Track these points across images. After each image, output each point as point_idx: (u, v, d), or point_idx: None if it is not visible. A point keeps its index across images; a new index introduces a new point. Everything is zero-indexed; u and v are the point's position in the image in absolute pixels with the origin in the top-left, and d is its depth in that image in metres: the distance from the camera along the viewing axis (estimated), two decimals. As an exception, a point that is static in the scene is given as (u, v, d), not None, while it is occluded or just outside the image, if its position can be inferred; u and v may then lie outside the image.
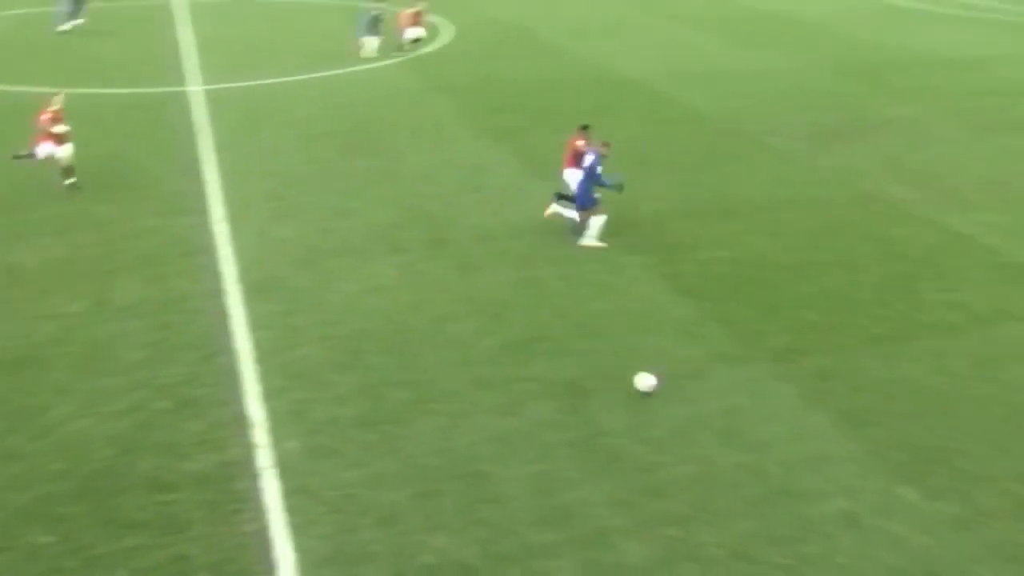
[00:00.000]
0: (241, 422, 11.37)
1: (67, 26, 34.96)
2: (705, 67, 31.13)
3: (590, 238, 16.59)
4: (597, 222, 16.55)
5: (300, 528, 9.60)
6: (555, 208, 16.79)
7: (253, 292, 14.72)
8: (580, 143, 17.31)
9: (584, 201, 16.51)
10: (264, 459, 10.70)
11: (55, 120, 18.57)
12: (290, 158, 21.52)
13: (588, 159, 16.63)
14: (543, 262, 15.93)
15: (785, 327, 13.95)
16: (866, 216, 18.46)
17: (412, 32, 32.10)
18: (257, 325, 13.67)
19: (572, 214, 16.67)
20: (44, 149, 18.70)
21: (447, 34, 36.19)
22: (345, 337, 13.39)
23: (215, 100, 26.20)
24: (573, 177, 17.14)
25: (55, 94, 19.27)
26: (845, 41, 36.67)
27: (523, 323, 13.89)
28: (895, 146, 23.16)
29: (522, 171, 20.60)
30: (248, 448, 10.89)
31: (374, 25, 31.49)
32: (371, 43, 31.57)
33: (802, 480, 10.58)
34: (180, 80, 28.61)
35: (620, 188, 16.89)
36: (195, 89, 27.50)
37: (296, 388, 12.10)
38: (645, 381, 12.07)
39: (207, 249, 16.29)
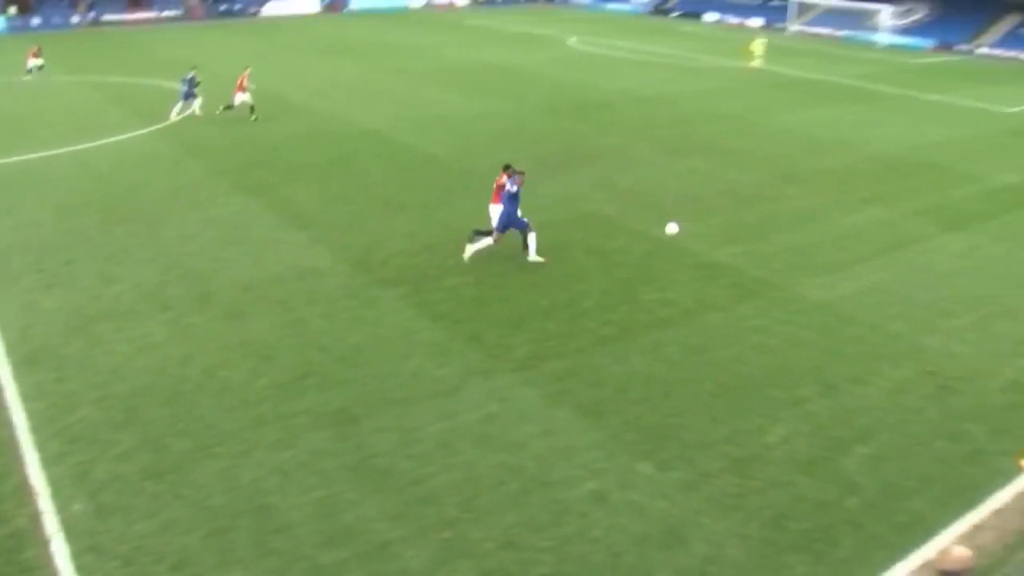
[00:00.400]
0: (24, 492, 10.50)
1: None
2: (436, 115, 31.74)
3: (533, 255, 17.49)
4: (532, 240, 17.50)
5: (92, 586, 8.98)
6: (471, 249, 17.47)
7: (23, 364, 13.61)
8: (504, 180, 17.41)
9: (508, 222, 17.13)
10: (51, 525, 9.93)
11: None
12: (51, 229, 20.04)
13: (511, 187, 17.03)
14: (304, 304, 15.70)
15: (528, 338, 14.44)
16: (587, 233, 19.43)
17: (240, 97, 30.52)
18: (30, 396, 12.66)
19: (487, 242, 17.46)
20: None
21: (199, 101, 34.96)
22: (120, 397, 12.64)
23: (-38, 178, 24.02)
24: (496, 211, 17.56)
25: None
26: (556, 85, 38.49)
27: (291, 362, 13.63)
28: (606, 171, 24.52)
29: (278, 222, 20.21)
30: (34, 517, 10.07)
31: (191, 88, 30.55)
32: (189, 106, 30.77)
33: (555, 470, 10.99)
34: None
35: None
36: (-61, 169, 25.11)
37: (76, 451, 11.30)
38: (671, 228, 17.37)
39: (-33, 327, 14.90)
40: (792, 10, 70.93)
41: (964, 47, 63.43)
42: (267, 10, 71.71)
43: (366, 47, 50.28)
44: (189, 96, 30.67)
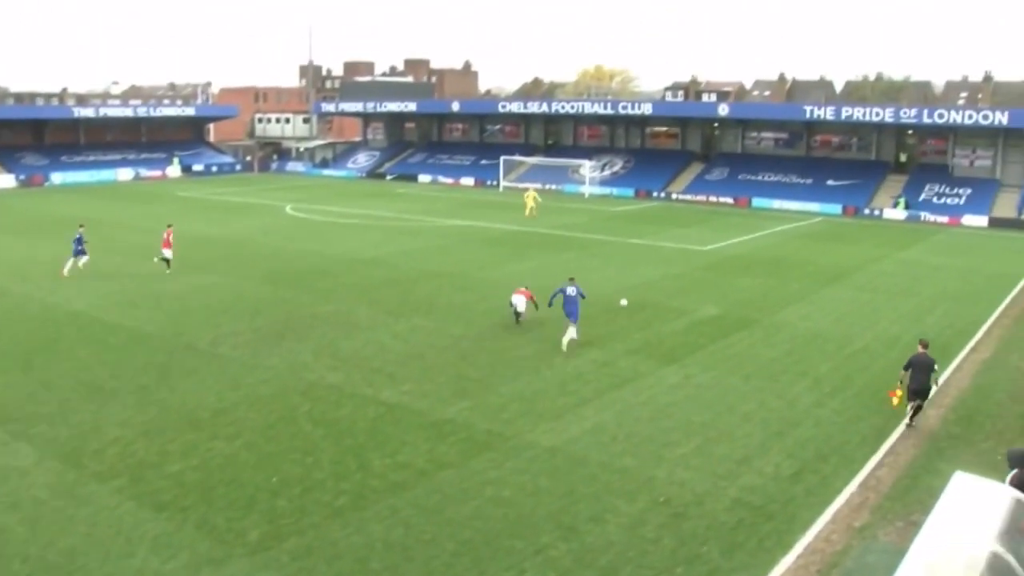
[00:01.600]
0: None
1: None
2: (149, 291, 30.53)
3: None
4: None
5: None
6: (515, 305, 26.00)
7: None
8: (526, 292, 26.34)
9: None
10: None
11: None
12: None
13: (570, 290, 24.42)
14: (3, 511, 14.28)
15: (260, 519, 13.97)
16: (314, 403, 19.30)
17: (167, 252, 33.73)
18: None
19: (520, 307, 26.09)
20: None
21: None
22: None
23: None
24: (518, 299, 26.16)
25: None
26: (274, 254, 38.52)
27: (-16, 584, 12.26)
28: (329, 337, 24.61)
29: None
30: None
31: (80, 244, 33.36)
32: (78, 262, 33.33)
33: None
34: None
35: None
36: None
37: None
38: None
39: None
40: (502, 169, 76.09)
41: (660, 194, 70.59)
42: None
43: (70, 223, 48.07)
44: (79, 253, 33.46)
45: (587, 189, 71.38)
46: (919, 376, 18.18)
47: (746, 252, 42.10)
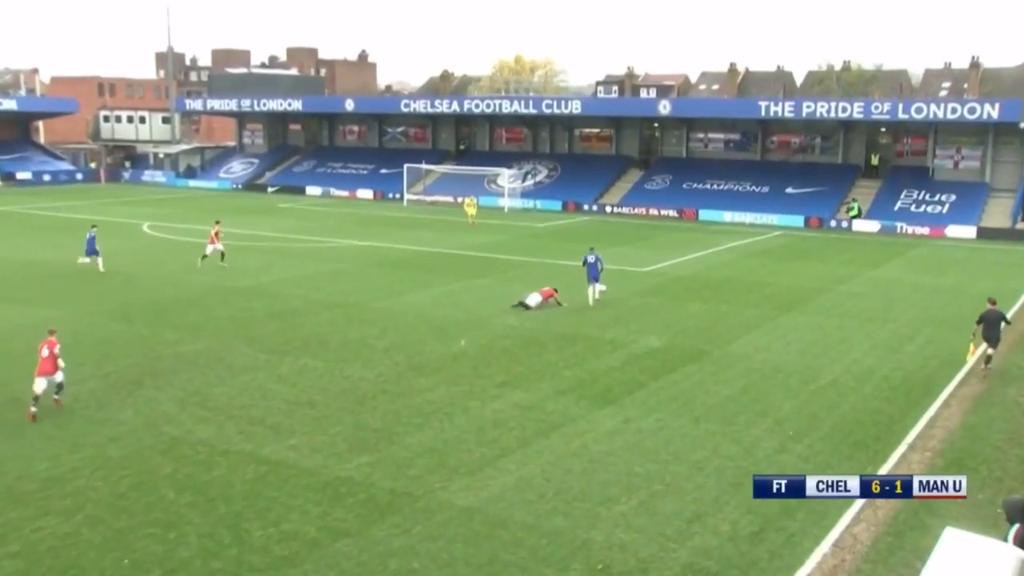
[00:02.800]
0: None
1: None
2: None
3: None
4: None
5: None
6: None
7: None
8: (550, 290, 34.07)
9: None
10: None
11: None
12: None
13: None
14: None
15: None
16: (179, 464, 18.77)
17: (215, 246, 42.25)
18: None
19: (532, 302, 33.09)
20: None
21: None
22: None
23: None
24: (535, 297, 33.67)
25: None
26: (128, 282, 37.72)
27: None
28: (198, 383, 24.09)
29: None
30: None
31: (91, 243, 40.19)
32: (94, 260, 40.15)
33: None
34: None
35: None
36: None
37: None
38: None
39: None
40: (406, 179, 75.99)
41: (592, 206, 71.31)
42: None
43: None
44: (92, 252, 40.23)
45: (506, 202, 71.85)
46: (990, 331, 25.51)
47: (693, 273, 42.65)
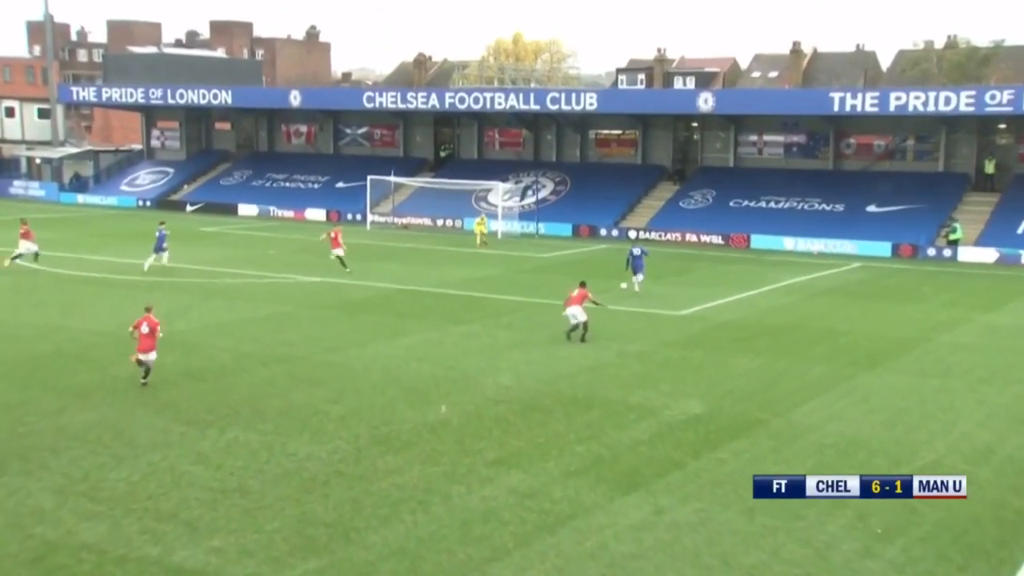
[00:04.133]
0: None
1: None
2: None
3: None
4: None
5: None
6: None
7: None
8: (581, 291, 37.19)
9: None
10: None
11: None
12: None
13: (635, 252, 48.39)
14: None
15: None
16: None
17: (337, 251, 53.45)
18: None
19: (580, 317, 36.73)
20: None
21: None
22: None
23: None
24: (575, 311, 36.85)
25: None
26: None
27: None
28: (86, 465, 23.86)
29: None
30: None
31: (160, 241, 51.64)
32: (159, 258, 51.66)
33: None
34: None
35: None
36: None
37: None
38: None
39: None
40: (369, 195, 76.01)
41: (611, 231, 71.65)
42: None
43: None
44: (160, 249, 51.67)
45: (500, 226, 71.96)
46: None
47: (743, 318, 42.66)
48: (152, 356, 30.14)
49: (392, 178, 77.66)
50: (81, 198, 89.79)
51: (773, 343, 37.72)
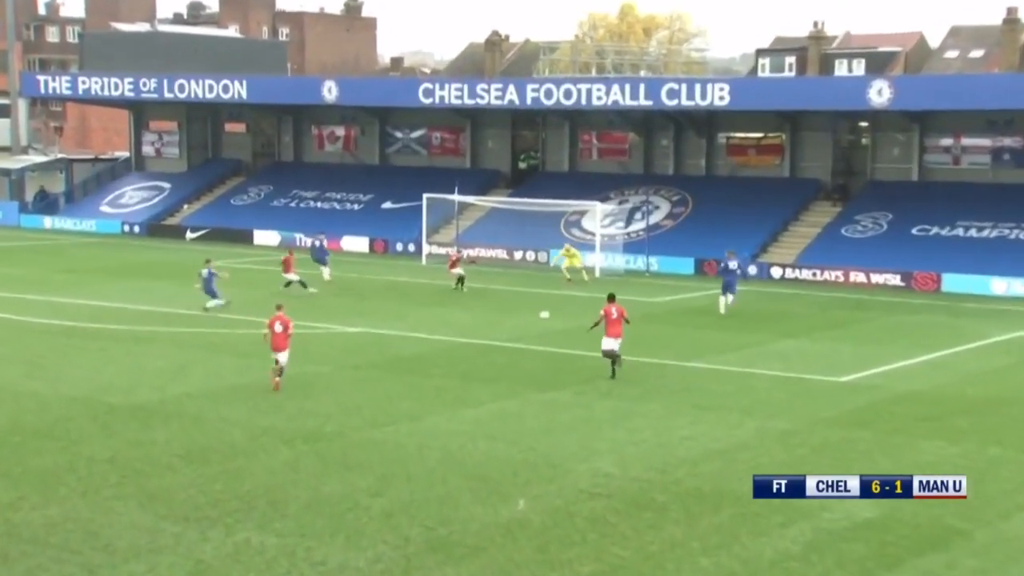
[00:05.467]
0: None
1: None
2: None
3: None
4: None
5: None
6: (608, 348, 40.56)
7: None
8: (619, 309, 41.83)
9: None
10: None
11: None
12: None
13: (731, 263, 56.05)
14: None
15: None
16: None
17: (290, 276, 62.56)
18: None
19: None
20: None
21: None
22: None
23: None
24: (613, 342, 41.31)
25: None
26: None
27: None
28: None
29: None
30: None
31: (209, 283, 56.88)
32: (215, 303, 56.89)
33: None
34: None
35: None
36: None
37: None
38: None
39: None
40: (426, 219, 76.11)
41: (749, 267, 71.17)
42: None
43: None
44: (210, 291, 56.80)
45: (598, 259, 71.89)
46: None
47: (933, 387, 42.25)
48: (285, 356, 39.14)
49: (456, 196, 77.63)
50: (49, 221, 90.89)
51: (977, 424, 37.15)
